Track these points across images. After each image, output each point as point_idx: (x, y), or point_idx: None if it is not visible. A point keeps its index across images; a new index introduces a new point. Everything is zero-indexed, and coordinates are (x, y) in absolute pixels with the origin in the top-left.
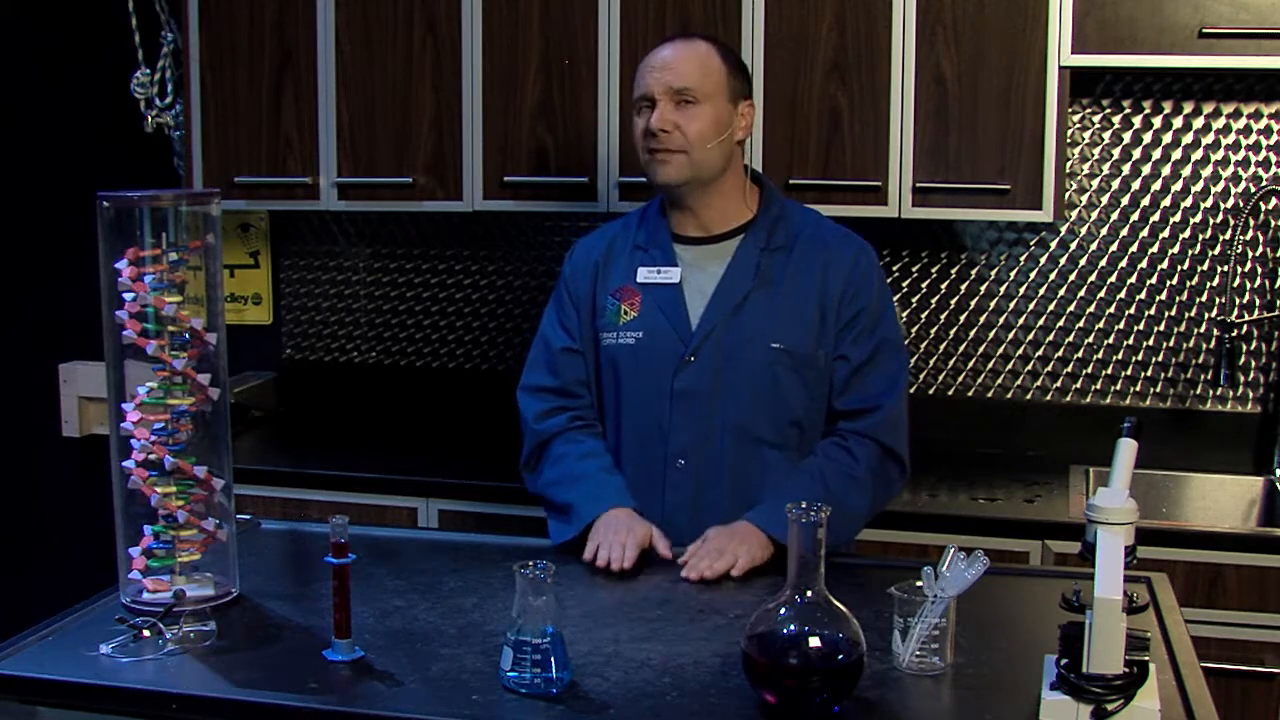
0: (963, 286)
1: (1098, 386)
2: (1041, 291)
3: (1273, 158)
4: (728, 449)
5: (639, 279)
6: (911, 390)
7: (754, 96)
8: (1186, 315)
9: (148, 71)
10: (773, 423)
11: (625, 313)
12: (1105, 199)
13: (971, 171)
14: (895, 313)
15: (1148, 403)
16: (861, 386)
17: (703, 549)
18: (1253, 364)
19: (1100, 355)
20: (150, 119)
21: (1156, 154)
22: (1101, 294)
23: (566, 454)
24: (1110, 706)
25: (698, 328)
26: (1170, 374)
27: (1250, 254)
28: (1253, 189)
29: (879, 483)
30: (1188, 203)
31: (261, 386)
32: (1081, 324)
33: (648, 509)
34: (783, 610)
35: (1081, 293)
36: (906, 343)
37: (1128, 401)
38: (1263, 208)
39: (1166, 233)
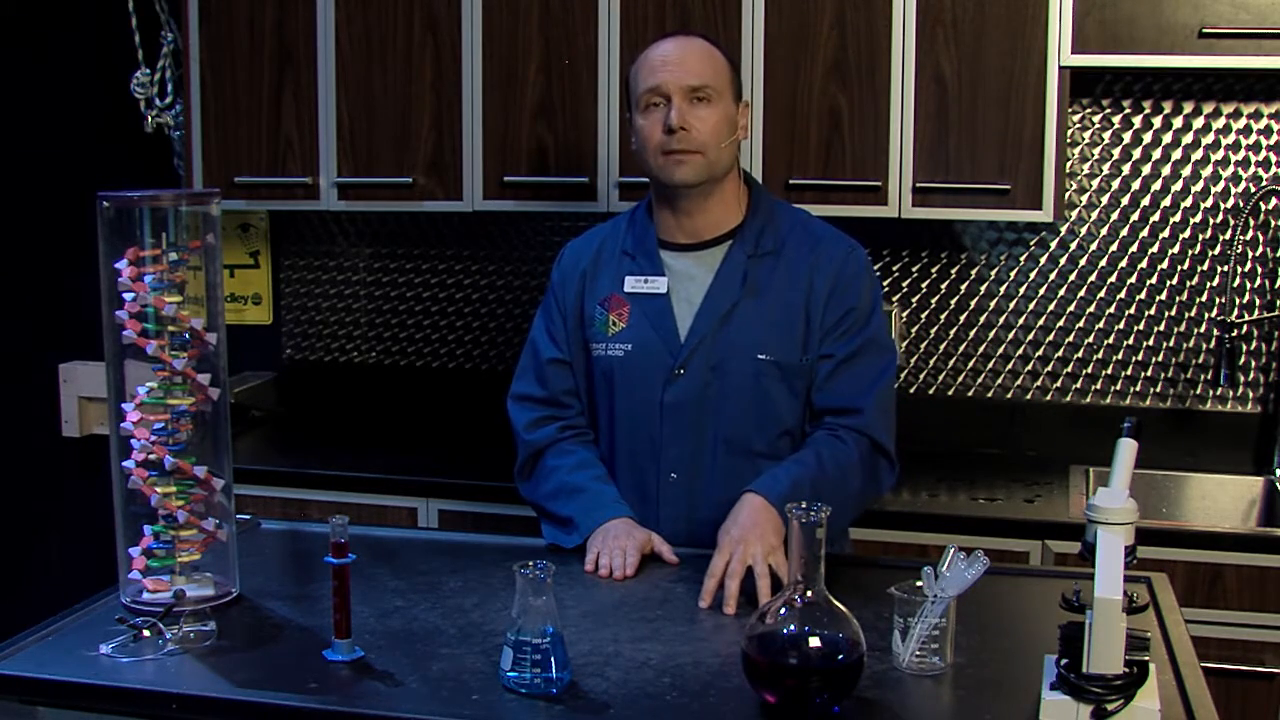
0: (963, 286)
1: (1098, 386)
2: (1041, 291)
3: (1273, 158)
4: (720, 462)
5: (626, 289)
6: (911, 390)
7: (753, 97)
8: (1186, 315)
9: (148, 71)
10: (763, 434)
11: (614, 324)
12: (1105, 199)
13: (971, 171)
14: (884, 317)
15: (1148, 403)
16: (841, 383)
17: (720, 564)
18: (1253, 364)
19: (1100, 355)
20: (150, 119)
21: (1156, 154)
22: (1101, 294)
23: (560, 466)
24: (1110, 706)
25: (686, 340)
26: (1170, 374)
27: (1250, 254)
28: (1253, 189)
29: (869, 472)
30: (1188, 203)
31: (261, 386)
32: (1081, 324)
33: (643, 523)
34: (783, 610)
35: (1081, 293)
36: (906, 342)
37: (1128, 401)
38: (1263, 208)
39: (1166, 233)
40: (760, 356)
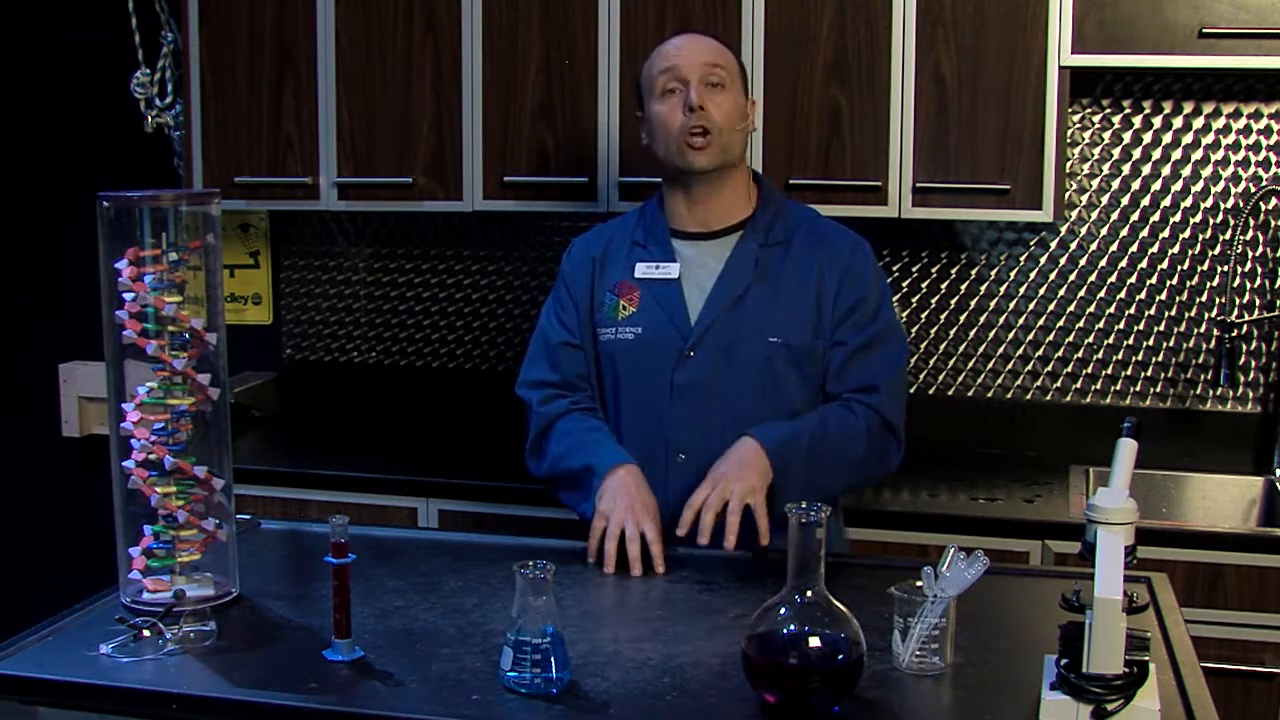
0: (963, 286)
1: (1098, 386)
2: (1041, 291)
3: (1273, 158)
4: (728, 443)
5: (637, 274)
6: (911, 390)
7: (753, 96)
8: (1186, 315)
9: (148, 71)
10: (772, 416)
11: (624, 308)
12: (1105, 199)
13: (971, 171)
14: (893, 307)
15: (1148, 403)
16: (858, 369)
17: (700, 496)
18: (1253, 364)
19: (1100, 355)
20: (150, 119)
21: (1156, 154)
22: (1101, 294)
23: (573, 429)
24: (1110, 706)
25: (697, 322)
26: (1170, 374)
27: (1250, 254)
28: (1253, 189)
29: (875, 445)
30: (1188, 203)
31: (261, 386)
32: (1081, 324)
33: None
34: (783, 610)
35: (1081, 293)
36: (905, 339)
37: (1128, 401)
38: (1263, 208)
39: (1166, 233)
40: (772, 339)
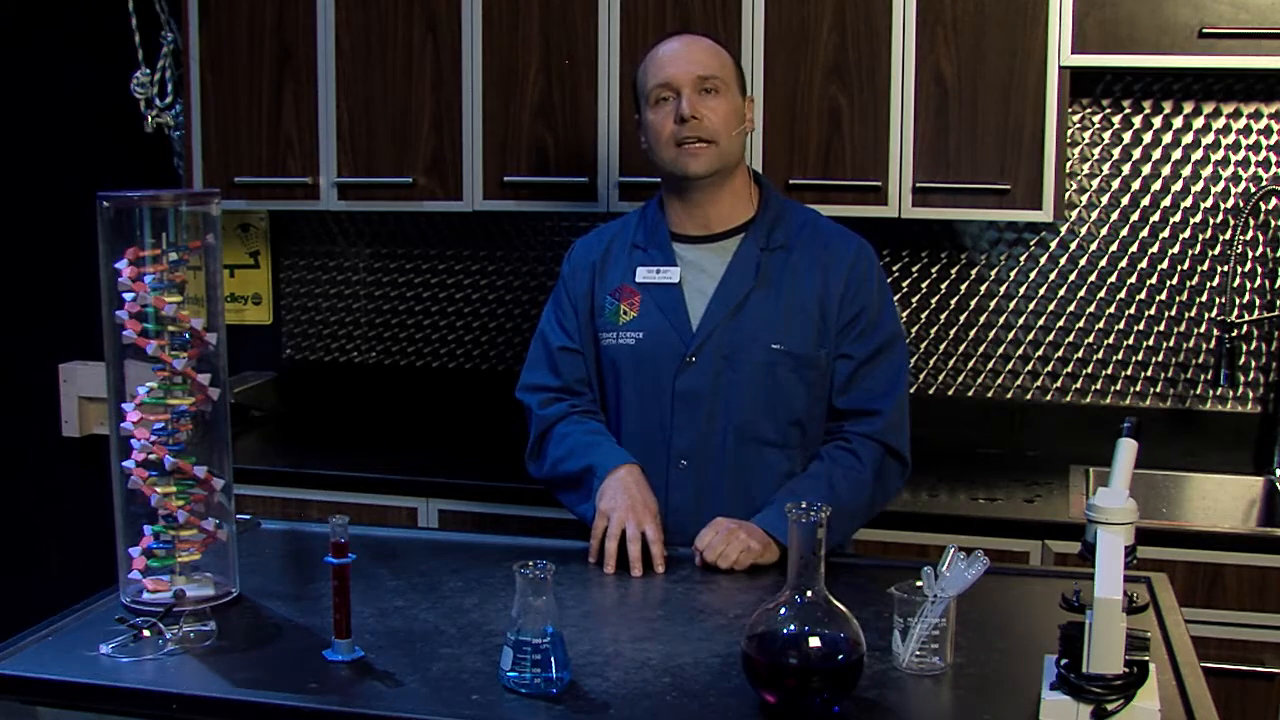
0: (963, 286)
1: (1098, 386)
2: (1041, 291)
3: (1273, 158)
4: (730, 449)
5: (638, 279)
6: (912, 390)
7: (754, 96)
8: (1186, 315)
9: (148, 71)
10: (774, 423)
11: (625, 313)
12: (1105, 199)
13: (971, 171)
14: (895, 308)
15: (1148, 403)
16: (863, 386)
17: (714, 534)
18: (1253, 364)
19: (1100, 355)
20: (150, 119)
21: (1156, 154)
22: (1101, 294)
23: (572, 432)
24: (1110, 706)
25: (698, 328)
26: (1170, 374)
27: (1250, 254)
28: (1253, 189)
29: (881, 482)
30: (1188, 203)
31: (261, 386)
32: (1081, 324)
33: None
34: (783, 610)
35: (1081, 293)
36: (906, 343)
37: (1128, 401)
38: (1263, 208)
39: (1166, 233)
40: (774, 346)
